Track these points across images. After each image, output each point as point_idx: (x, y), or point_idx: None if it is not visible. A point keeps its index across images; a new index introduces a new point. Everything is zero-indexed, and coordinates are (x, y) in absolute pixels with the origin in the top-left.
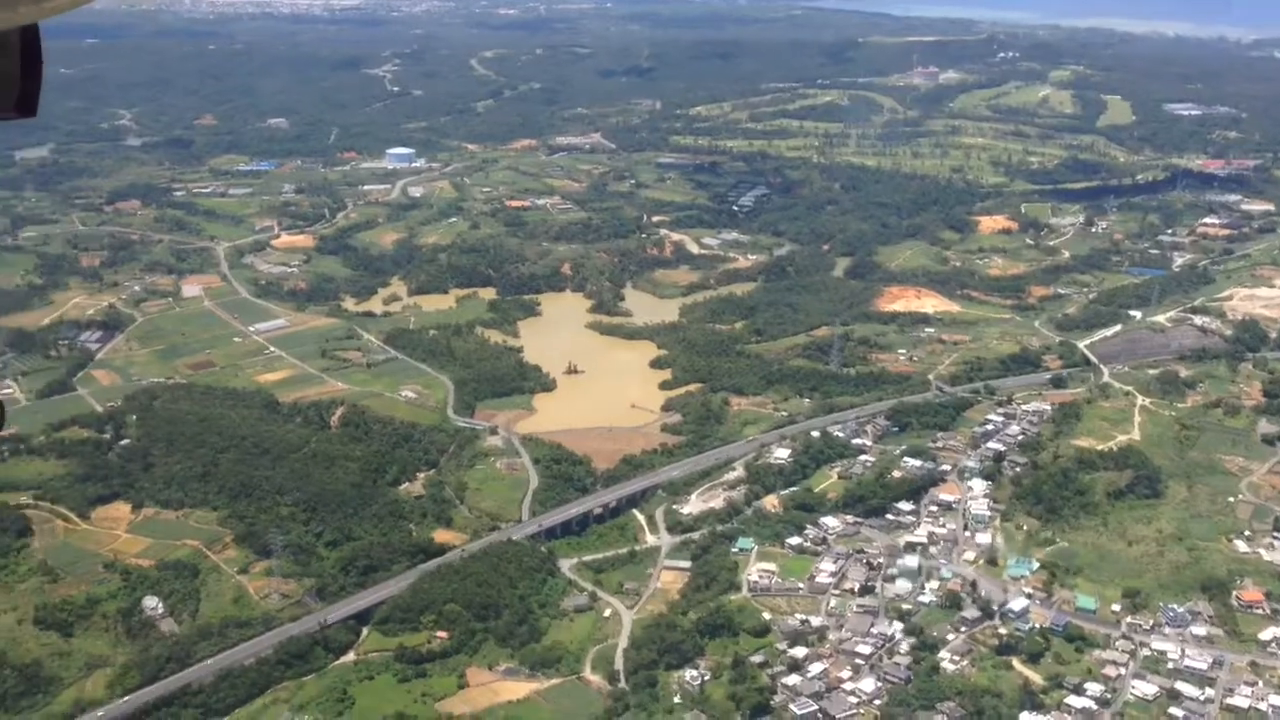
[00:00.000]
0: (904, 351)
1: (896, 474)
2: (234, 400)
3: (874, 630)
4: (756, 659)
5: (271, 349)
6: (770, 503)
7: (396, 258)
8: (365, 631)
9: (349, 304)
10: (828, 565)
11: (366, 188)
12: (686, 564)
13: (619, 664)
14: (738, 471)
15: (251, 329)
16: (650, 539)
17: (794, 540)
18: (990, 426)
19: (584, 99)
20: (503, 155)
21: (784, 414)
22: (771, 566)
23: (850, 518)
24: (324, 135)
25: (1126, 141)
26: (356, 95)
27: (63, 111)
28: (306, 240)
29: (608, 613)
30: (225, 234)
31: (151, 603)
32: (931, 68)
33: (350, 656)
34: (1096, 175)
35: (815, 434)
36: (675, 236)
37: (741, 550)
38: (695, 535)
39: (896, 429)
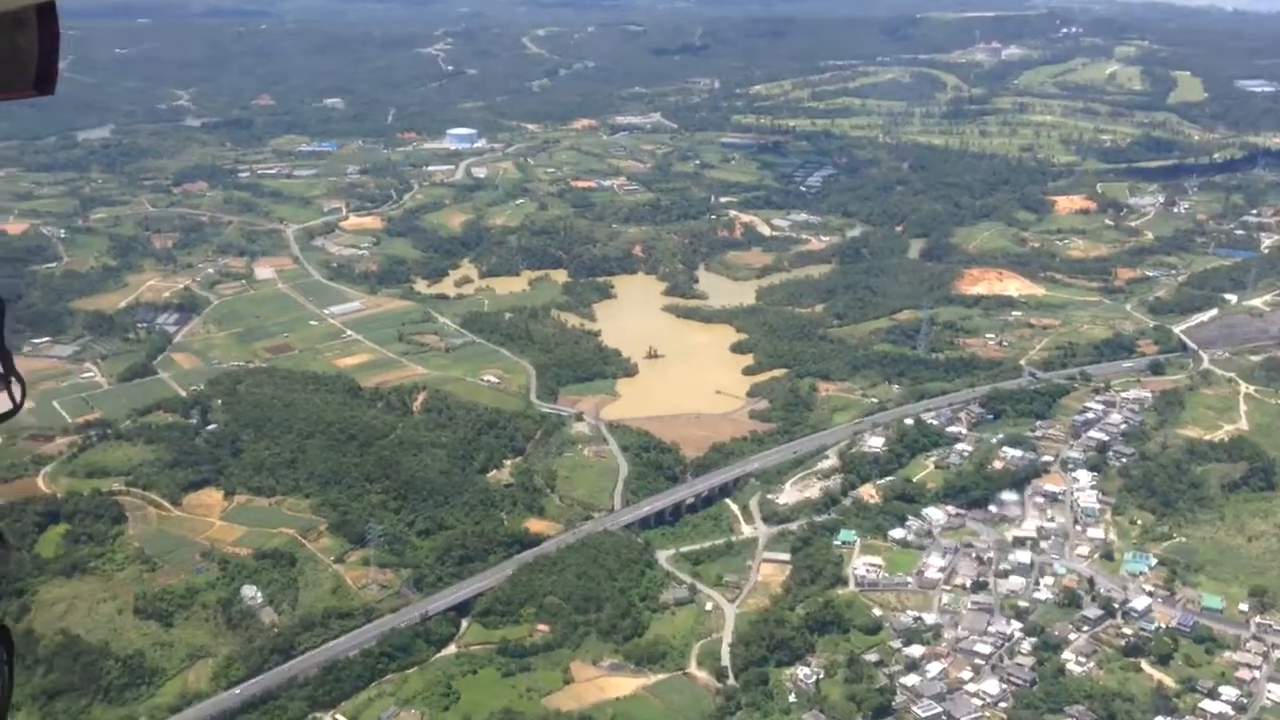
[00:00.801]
0: (992, 336)
1: (997, 464)
2: (315, 385)
3: (991, 629)
4: (871, 658)
5: (348, 332)
6: (867, 493)
7: (465, 239)
8: (465, 623)
9: (421, 286)
10: (935, 559)
11: (430, 169)
12: (786, 556)
13: (726, 660)
14: (831, 460)
15: (326, 312)
16: (746, 530)
17: (897, 533)
18: (1090, 415)
19: (640, 78)
20: (563, 135)
21: (874, 400)
22: (877, 560)
23: (952, 509)
24: (381, 115)
25: (1199, 119)
26: (410, 75)
27: (121, 92)
28: (375, 222)
29: (709, 606)
30: (293, 215)
31: (250, 592)
32: (994, 44)
33: (451, 649)
34: (1171, 154)
35: (909, 421)
36: (745, 218)
37: (844, 543)
38: (793, 526)
39: (992, 417)
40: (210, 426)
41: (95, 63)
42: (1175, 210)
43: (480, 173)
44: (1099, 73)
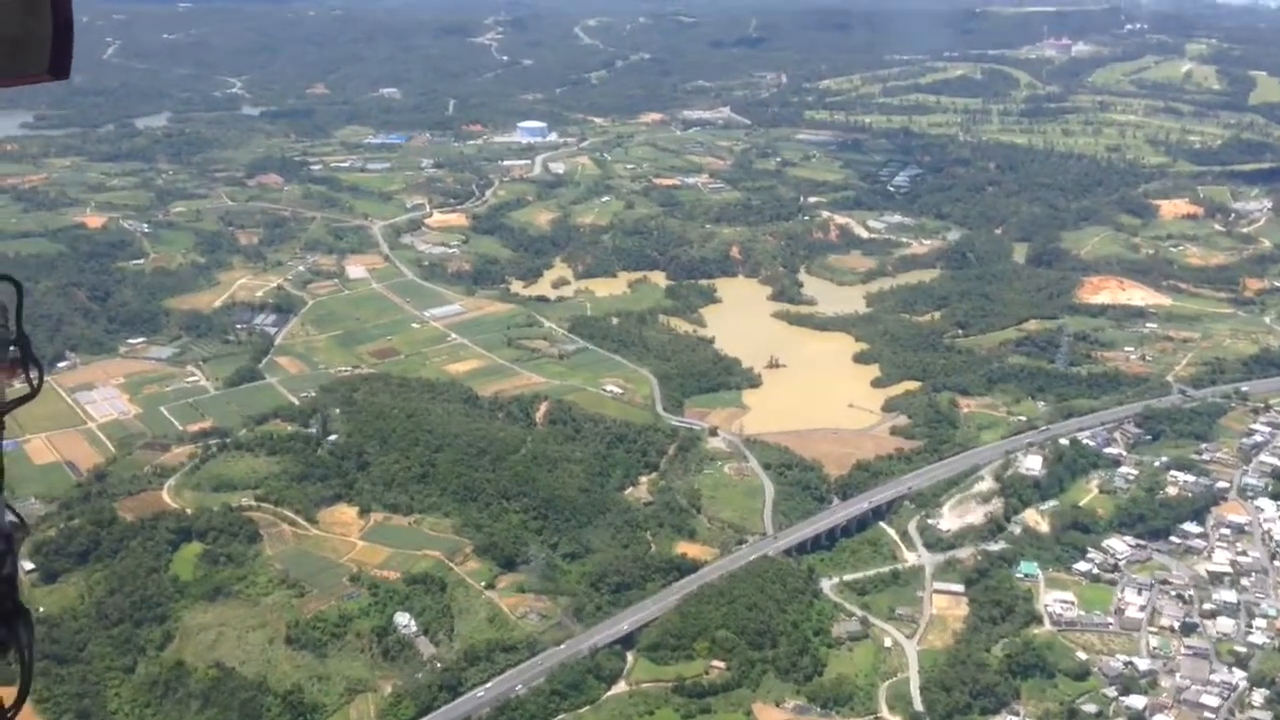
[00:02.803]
0: (1131, 349)
1: (1170, 491)
2: (432, 393)
3: (1214, 677)
4: (1089, 708)
5: (453, 336)
6: (1032, 518)
7: (555, 238)
8: (631, 658)
9: (516, 287)
10: (1132, 596)
11: (506, 163)
12: (959, 588)
13: (918, 704)
14: (987, 482)
15: (427, 314)
16: (910, 557)
17: (1081, 566)
18: (1258, 437)
19: (700, 71)
20: (634, 129)
21: (1021, 418)
22: (1068, 596)
23: (1131, 540)
24: (440, 106)
25: None
26: (465, 64)
27: (174, 79)
28: (460, 219)
29: (887, 643)
30: (376, 211)
31: (403, 620)
32: (1064, 40)
33: (622, 686)
34: (1264, 156)
35: (1064, 441)
36: (839, 219)
37: (1026, 575)
38: (959, 554)
39: (1149, 437)
40: (332, 437)
41: (145, 48)
42: None
43: (558, 168)
44: (1174, 71)
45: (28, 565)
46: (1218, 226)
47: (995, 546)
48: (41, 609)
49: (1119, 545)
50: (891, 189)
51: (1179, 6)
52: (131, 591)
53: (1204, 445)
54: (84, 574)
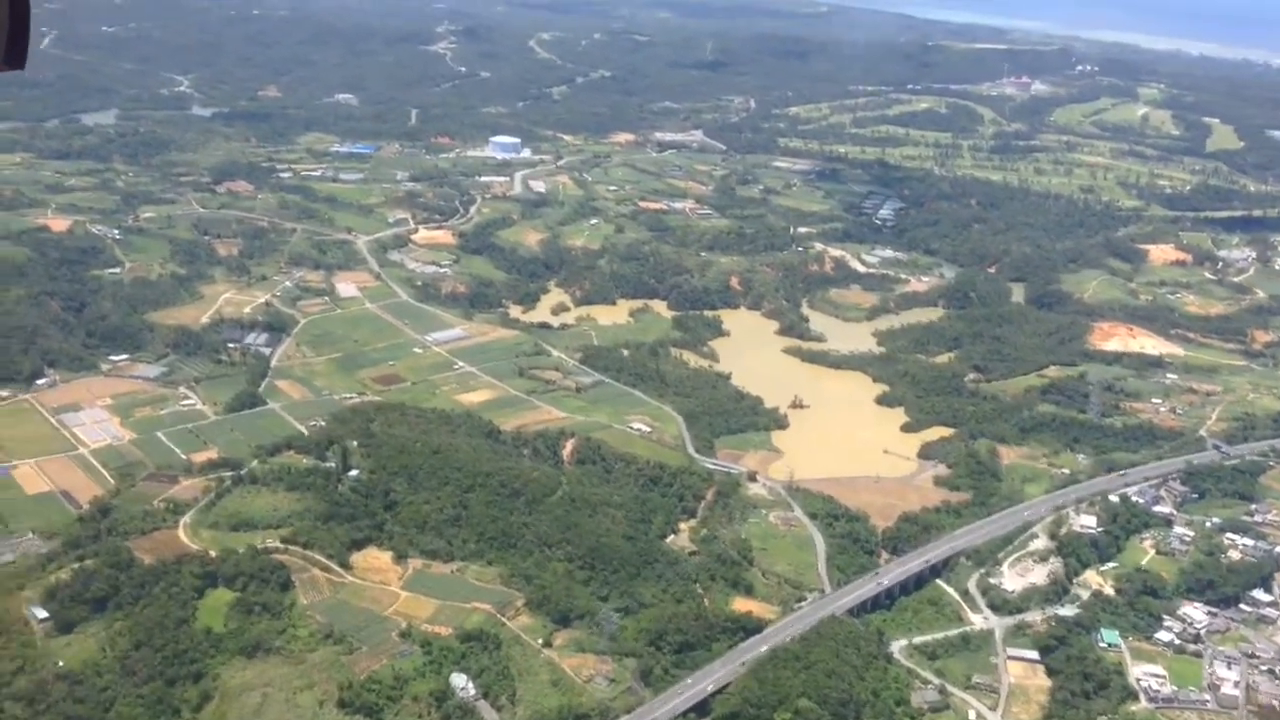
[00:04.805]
0: (1158, 400)
1: (1233, 555)
2: (450, 426)
3: None
4: None
5: (459, 363)
6: (1094, 580)
7: (547, 260)
8: None
9: (515, 312)
10: (1224, 672)
11: (485, 179)
12: (1034, 654)
13: None
14: (1042, 539)
15: (429, 339)
16: (976, 619)
17: (1163, 635)
18: None
19: (662, 91)
20: (608, 149)
21: (1063, 471)
22: (1158, 670)
23: (1204, 607)
24: (402, 116)
25: (1243, 168)
26: (420, 73)
27: (118, 74)
28: (446, 237)
29: (972, 716)
30: (358, 225)
31: (460, 681)
32: (1023, 78)
33: None
34: (1233, 203)
35: (1114, 498)
36: (834, 252)
37: (1109, 645)
38: (1028, 617)
39: (1196, 495)
40: (353, 472)
41: (84, 40)
42: (1275, 266)
43: (539, 186)
44: (1130, 114)
45: (40, 613)
46: (1208, 274)
47: (1066, 611)
48: (60, 663)
49: (1196, 614)
50: (878, 222)
51: (1127, 51)
52: (161, 645)
53: (1254, 506)
54: (103, 623)
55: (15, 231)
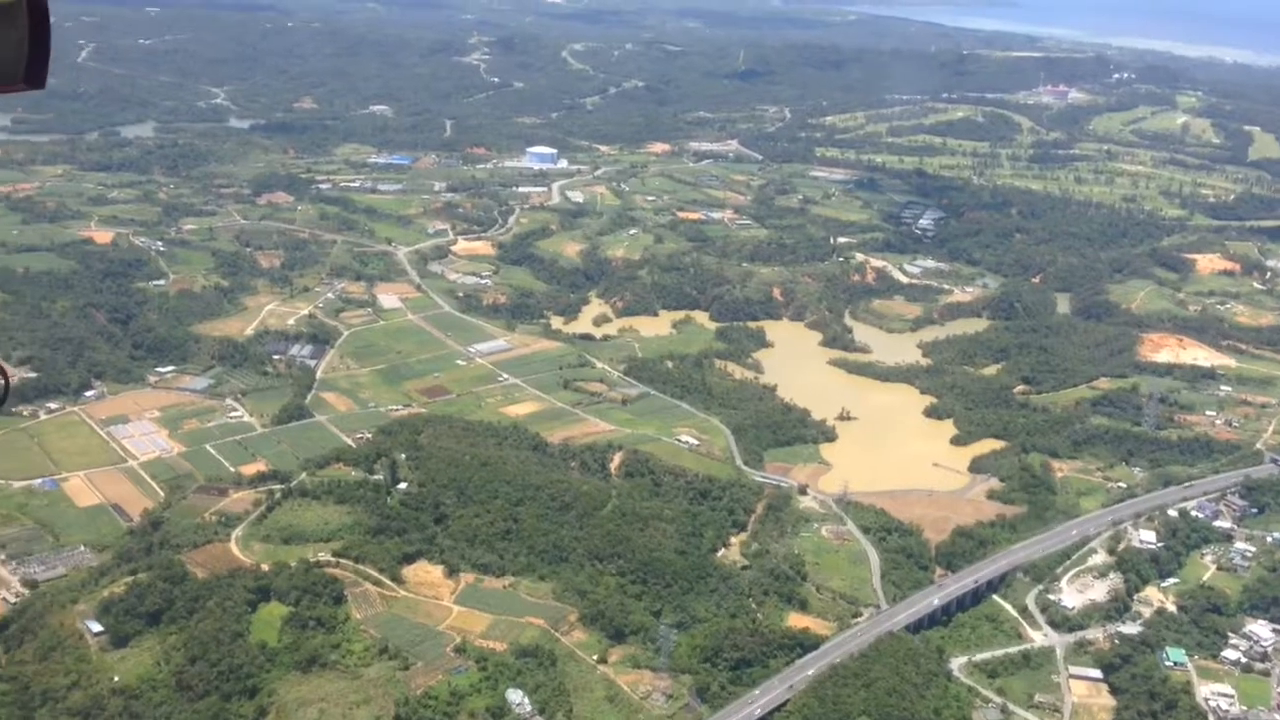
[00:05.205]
0: (1212, 413)
1: None
2: (497, 438)
3: None
4: None
5: (504, 375)
6: (1155, 597)
7: (587, 271)
8: None
9: (556, 323)
10: None
11: (522, 190)
12: (1096, 673)
13: None
14: (1100, 554)
15: (472, 350)
16: (1036, 637)
17: (1230, 654)
18: None
19: (696, 101)
20: (644, 159)
21: (1119, 485)
22: (1227, 689)
23: (1268, 625)
24: (437, 127)
25: None
26: (454, 84)
27: (155, 86)
28: (486, 248)
29: None
30: (398, 236)
31: (516, 698)
32: (1060, 86)
33: None
34: (1276, 212)
35: (1172, 513)
36: (875, 262)
37: (1175, 664)
38: (1089, 635)
39: (1255, 510)
40: (402, 485)
41: (120, 53)
42: None
43: (576, 197)
44: (1170, 122)
45: (95, 627)
46: (1257, 285)
47: (1129, 629)
48: (116, 678)
49: (1262, 631)
50: (918, 232)
51: (1163, 58)
52: (216, 660)
53: None
54: (157, 637)
55: (60, 243)
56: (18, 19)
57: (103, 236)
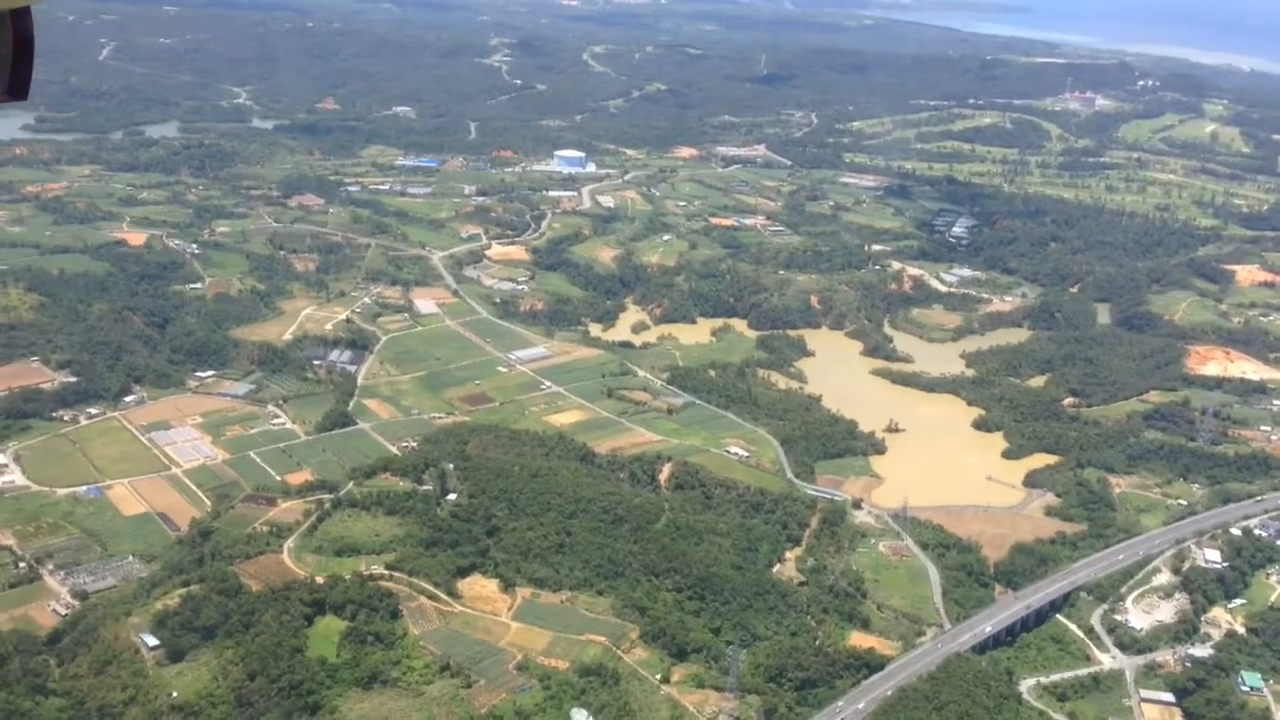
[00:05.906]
0: (1267, 428)
1: None
2: (544, 448)
3: None
4: None
5: (546, 383)
6: (1223, 618)
7: (623, 277)
8: None
9: (595, 330)
10: None
11: (553, 194)
12: (1169, 697)
13: None
14: (1164, 574)
15: (513, 357)
16: (1104, 659)
17: None
18: None
19: (720, 105)
20: (672, 164)
21: (1179, 502)
22: None
23: None
24: (461, 129)
25: None
26: (476, 86)
27: (177, 86)
28: (520, 252)
29: None
30: (431, 240)
31: (581, 718)
32: (1086, 93)
33: None
34: None
35: (1236, 531)
36: (912, 271)
37: (1251, 689)
38: (1159, 657)
39: None
40: (451, 496)
41: (141, 51)
42: None
43: (607, 201)
44: (1199, 131)
45: (151, 640)
46: None
47: (1200, 651)
48: (174, 693)
49: None
50: (952, 240)
51: (1184, 65)
52: (276, 675)
53: None
54: (214, 652)
55: (93, 245)
56: (1, 33)
57: (135, 238)
